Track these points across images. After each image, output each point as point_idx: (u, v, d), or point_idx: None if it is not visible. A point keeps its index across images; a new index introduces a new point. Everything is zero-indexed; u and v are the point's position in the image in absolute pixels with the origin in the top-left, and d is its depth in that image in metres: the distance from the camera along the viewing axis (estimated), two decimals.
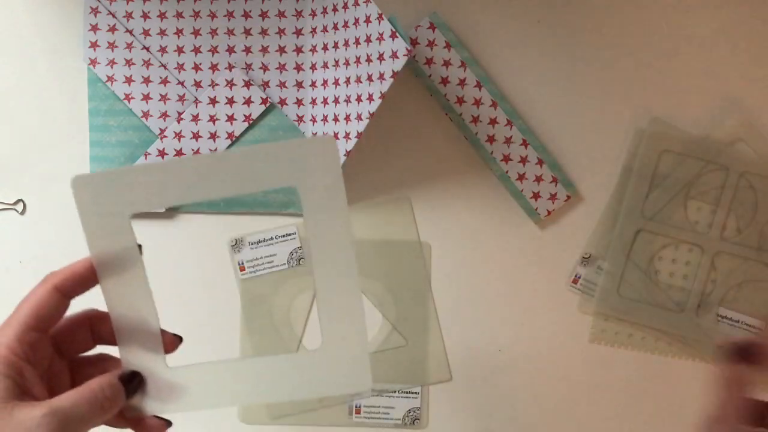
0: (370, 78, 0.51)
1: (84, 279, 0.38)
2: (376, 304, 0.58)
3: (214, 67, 0.57)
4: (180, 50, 0.57)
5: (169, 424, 0.41)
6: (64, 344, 0.38)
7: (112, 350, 0.40)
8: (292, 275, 0.57)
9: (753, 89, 0.57)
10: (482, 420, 0.58)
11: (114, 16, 0.56)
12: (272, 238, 0.57)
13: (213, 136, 0.56)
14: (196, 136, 0.56)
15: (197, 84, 0.57)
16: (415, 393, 0.57)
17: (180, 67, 0.57)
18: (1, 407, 0.32)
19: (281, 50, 0.57)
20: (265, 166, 0.37)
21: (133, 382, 0.39)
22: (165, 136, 0.56)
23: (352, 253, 0.38)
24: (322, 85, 0.56)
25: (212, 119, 0.56)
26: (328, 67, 0.55)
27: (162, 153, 0.56)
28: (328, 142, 0.36)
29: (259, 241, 0.57)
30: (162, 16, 0.56)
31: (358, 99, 0.53)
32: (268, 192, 0.57)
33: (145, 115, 0.56)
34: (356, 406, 0.57)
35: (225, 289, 0.57)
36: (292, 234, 0.57)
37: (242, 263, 0.57)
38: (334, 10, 0.54)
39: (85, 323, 0.39)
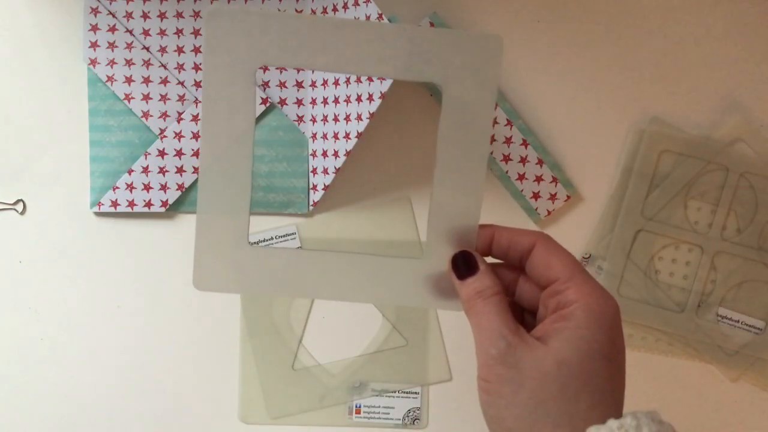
0: (370, 78, 0.51)
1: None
2: (376, 305, 0.58)
3: None
4: (180, 50, 0.57)
5: None
6: None
7: None
8: None
9: (753, 89, 0.57)
10: (482, 420, 0.58)
11: (114, 16, 0.56)
12: (272, 238, 0.57)
13: None
14: (196, 136, 0.56)
15: (197, 84, 0.57)
16: (415, 393, 0.57)
17: (180, 67, 0.57)
18: None
19: None
20: (415, 47, 0.35)
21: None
22: (165, 136, 0.56)
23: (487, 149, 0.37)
24: (322, 85, 0.56)
25: None
26: None
27: (162, 153, 0.56)
28: (495, 40, 0.35)
29: (259, 241, 0.57)
30: (162, 16, 0.56)
31: (358, 99, 0.53)
32: (268, 192, 0.57)
33: (145, 115, 0.56)
34: (356, 407, 0.57)
35: None
36: (293, 234, 0.57)
37: None
38: (334, 10, 0.54)
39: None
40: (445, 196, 0.37)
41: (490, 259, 0.38)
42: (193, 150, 0.56)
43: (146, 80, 0.56)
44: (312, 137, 0.57)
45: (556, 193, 0.57)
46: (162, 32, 0.57)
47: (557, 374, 0.31)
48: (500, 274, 0.36)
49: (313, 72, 0.56)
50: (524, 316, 0.38)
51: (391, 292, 0.37)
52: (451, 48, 0.35)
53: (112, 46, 0.56)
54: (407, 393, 0.57)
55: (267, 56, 0.35)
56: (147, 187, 0.56)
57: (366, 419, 0.57)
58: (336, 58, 0.35)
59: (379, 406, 0.57)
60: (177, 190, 0.57)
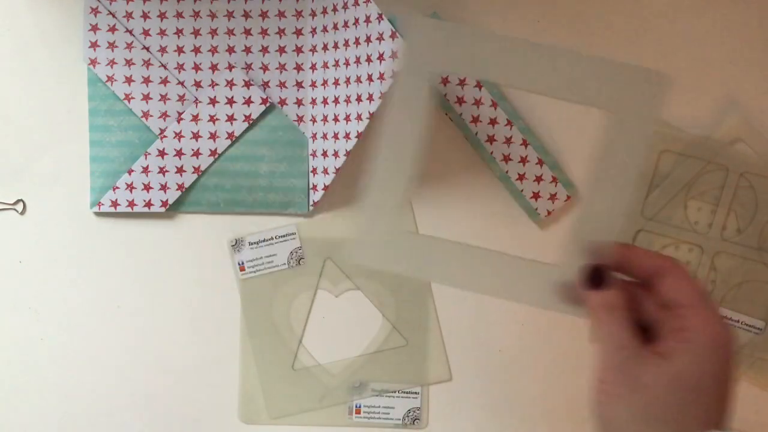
0: (370, 78, 0.51)
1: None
2: (376, 304, 0.58)
3: (214, 67, 0.57)
4: (180, 50, 0.57)
5: None
6: None
7: None
8: (292, 275, 0.57)
9: (753, 89, 0.57)
10: (482, 420, 0.58)
11: (114, 16, 0.56)
12: (272, 238, 0.57)
13: (213, 136, 0.56)
14: (196, 136, 0.56)
15: (197, 84, 0.57)
16: (415, 393, 0.57)
17: (180, 67, 0.57)
18: None
19: (281, 50, 0.57)
20: (602, 77, 0.39)
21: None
22: (165, 136, 0.56)
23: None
24: (322, 85, 0.56)
25: (212, 119, 0.56)
26: (328, 67, 0.55)
27: (162, 153, 0.56)
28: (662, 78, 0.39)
29: (259, 241, 0.57)
30: (162, 16, 0.56)
31: (358, 99, 0.53)
32: (268, 192, 0.57)
33: (145, 115, 0.56)
34: (356, 406, 0.57)
35: (225, 289, 0.57)
36: (293, 234, 0.57)
37: (242, 263, 0.57)
38: (334, 10, 0.54)
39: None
40: (592, 212, 0.40)
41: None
42: (193, 150, 0.56)
43: (146, 80, 0.56)
44: (312, 137, 0.57)
45: (556, 193, 0.57)
46: (162, 32, 0.57)
47: (674, 387, 0.34)
48: (629, 291, 0.39)
49: (313, 72, 0.57)
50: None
51: (524, 292, 0.41)
52: (624, 80, 0.40)
53: (112, 46, 0.56)
54: (407, 393, 0.57)
55: (451, 66, 0.40)
56: (147, 187, 0.56)
57: (366, 419, 0.57)
58: (528, 80, 0.40)
59: (379, 406, 0.57)
60: (177, 190, 0.57)
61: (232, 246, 0.57)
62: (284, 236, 0.57)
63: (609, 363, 0.36)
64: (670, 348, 0.35)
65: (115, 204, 0.56)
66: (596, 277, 0.39)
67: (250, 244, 0.57)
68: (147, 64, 0.56)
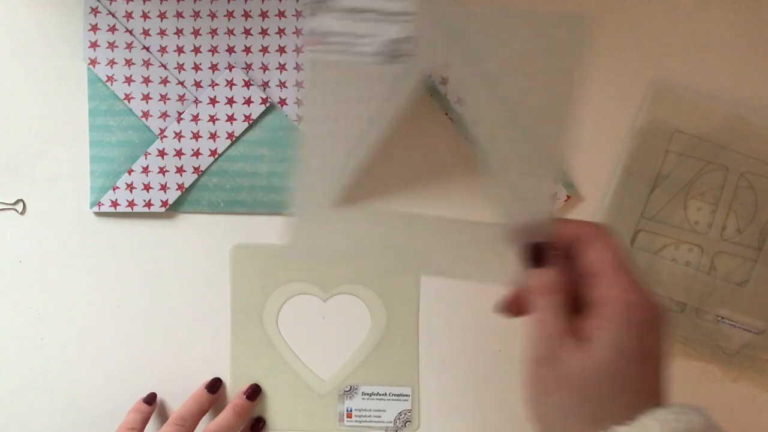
0: None
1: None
2: (365, 307, 0.58)
3: (214, 67, 0.57)
4: (180, 50, 0.57)
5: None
6: None
7: None
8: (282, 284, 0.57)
9: (753, 89, 0.57)
10: (481, 420, 0.58)
11: (114, 16, 0.56)
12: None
13: (213, 136, 0.56)
14: (196, 136, 0.56)
15: (197, 84, 0.57)
16: (406, 395, 0.57)
17: (180, 67, 0.57)
18: None
19: (281, 50, 0.57)
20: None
21: (255, 392, 0.56)
22: (165, 136, 0.56)
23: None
24: None
25: (212, 119, 0.56)
26: None
27: (162, 153, 0.56)
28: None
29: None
30: (162, 16, 0.56)
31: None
32: (268, 192, 0.57)
33: (145, 115, 0.56)
34: (347, 411, 0.57)
35: (225, 289, 0.57)
36: None
37: None
38: None
39: None
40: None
41: None
42: (193, 150, 0.56)
43: (146, 80, 0.56)
44: None
45: (556, 193, 0.57)
46: (162, 32, 0.57)
47: (597, 377, 0.32)
48: (569, 271, 0.36)
49: None
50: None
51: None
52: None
53: (112, 46, 0.56)
54: (398, 396, 0.57)
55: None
56: (147, 187, 0.56)
57: (357, 423, 0.57)
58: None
59: (370, 410, 0.57)
60: (177, 190, 0.57)
61: None
62: None
63: (537, 354, 0.34)
64: (588, 328, 0.33)
65: (115, 204, 0.56)
66: (537, 255, 0.36)
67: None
68: (147, 64, 0.56)
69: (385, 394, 0.57)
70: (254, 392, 0.56)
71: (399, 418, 0.57)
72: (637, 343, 0.32)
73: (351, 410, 0.57)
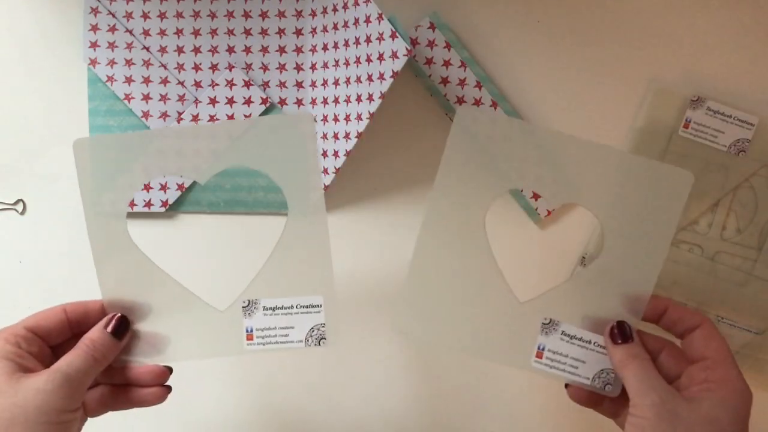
0: (369, 78, 0.51)
1: (91, 317, 0.44)
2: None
3: (214, 67, 0.57)
4: (180, 50, 0.57)
5: (170, 370, 0.46)
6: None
7: None
8: None
9: (753, 89, 0.57)
10: (481, 420, 0.58)
11: (114, 16, 0.56)
12: None
13: None
14: None
15: (197, 84, 0.57)
16: (317, 306, 0.45)
17: (180, 67, 0.57)
18: (7, 380, 0.37)
19: (281, 50, 0.57)
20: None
21: (121, 326, 0.44)
22: None
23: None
24: (322, 85, 0.56)
25: (212, 119, 0.56)
26: (328, 67, 0.55)
27: None
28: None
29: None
30: (162, 16, 0.56)
31: (358, 99, 0.53)
32: (268, 192, 0.57)
33: (145, 115, 0.56)
34: (247, 331, 0.45)
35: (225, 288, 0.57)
36: None
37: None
38: (334, 10, 0.54)
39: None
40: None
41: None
42: None
43: (146, 80, 0.56)
44: None
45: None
46: (162, 32, 0.57)
47: (707, 422, 0.38)
48: (648, 344, 0.43)
49: (313, 72, 0.57)
50: None
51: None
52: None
53: (112, 46, 0.56)
54: (307, 308, 0.45)
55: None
56: (147, 187, 0.56)
57: (260, 346, 0.45)
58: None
59: (275, 327, 0.45)
60: (177, 190, 0.57)
61: None
62: None
63: (649, 402, 0.38)
64: (694, 393, 0.39)
65: None
66: (623, 333, 0.42)
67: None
68: (147, 64, 0.56)
69: (292, 307, 0.46)
70: (120, 326, 0.44)
71: (311, 335, 0.45)
72: (736, 420, 0.38)
73: (251, 330, 0.45)
